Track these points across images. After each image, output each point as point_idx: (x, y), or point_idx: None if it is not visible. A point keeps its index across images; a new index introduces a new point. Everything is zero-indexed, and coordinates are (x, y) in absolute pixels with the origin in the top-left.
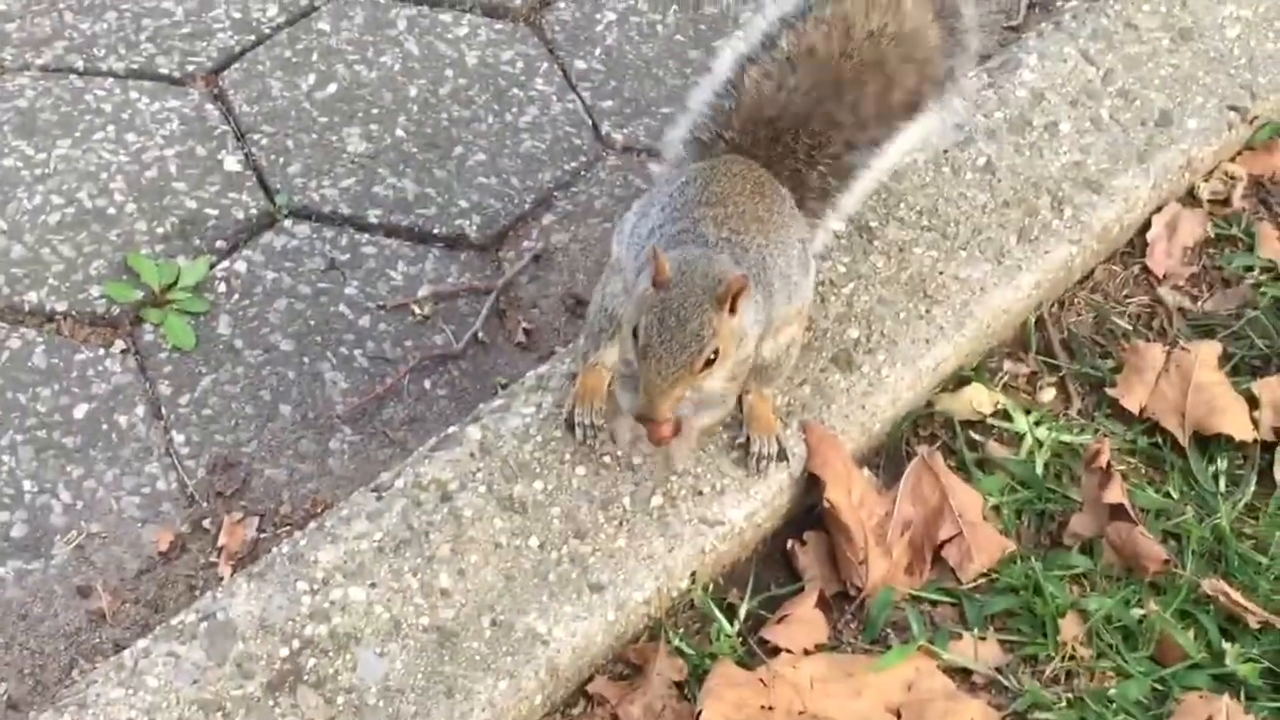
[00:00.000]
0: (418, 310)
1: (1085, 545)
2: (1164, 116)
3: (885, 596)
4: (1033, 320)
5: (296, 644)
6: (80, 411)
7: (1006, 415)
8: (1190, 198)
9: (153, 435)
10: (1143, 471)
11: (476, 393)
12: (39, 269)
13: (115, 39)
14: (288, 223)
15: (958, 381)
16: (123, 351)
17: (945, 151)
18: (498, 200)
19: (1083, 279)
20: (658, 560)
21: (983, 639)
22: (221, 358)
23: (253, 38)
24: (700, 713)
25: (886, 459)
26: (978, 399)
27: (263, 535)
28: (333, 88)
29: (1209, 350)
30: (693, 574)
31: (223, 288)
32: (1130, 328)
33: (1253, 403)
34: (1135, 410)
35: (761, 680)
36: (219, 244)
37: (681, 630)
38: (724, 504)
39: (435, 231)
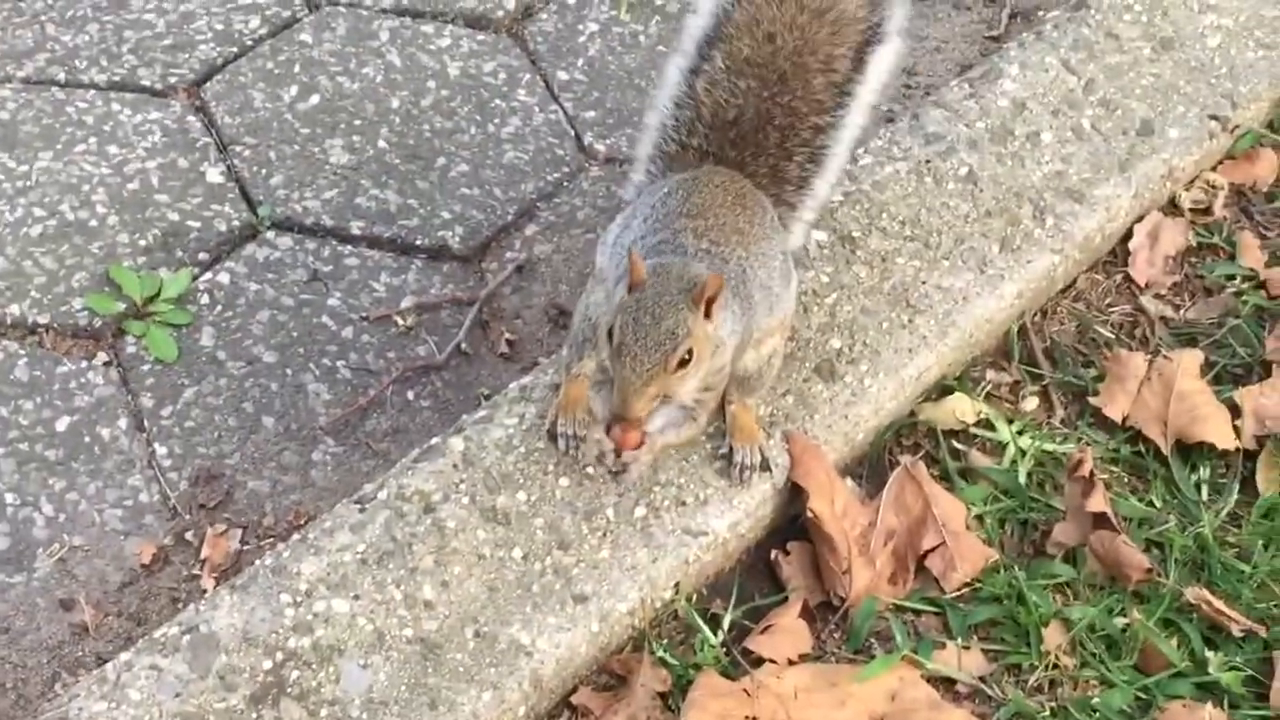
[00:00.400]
0: (401, 321)
1: (1068, 554)
2: (1145, 126)
3: (869, 606)
4: (1015, 329)
5: (280, 656)
6: (62, 424)
7: (989, 424)
8: (1172, 207)
9: (135, 447)
10: (1125, 480)
11: (459, 404)
12: (21, 281)
13: (97, 51)
14: (270, 234)
15: (940, 391)
16: (105, 364)
17: (927, 161)
18: (480, 211)
19: (1065, 288)
20: (641, 571)
21: (966, 648)
22: (204, 369)
23: (235, 49)
24: None
25: (869, 469)
26: (960, 408)
27: (245, 547)
28: (315, 99)
29: (1191, 359)
30: (676, 584)
31: (205, 299)
32: (1113, 336)
33: (1235, 411)
34: (1118, 419)
35: (745, 691)
36: (201, 256)
37: (665, 641)
38: (707, 514)
39: (418, 243)
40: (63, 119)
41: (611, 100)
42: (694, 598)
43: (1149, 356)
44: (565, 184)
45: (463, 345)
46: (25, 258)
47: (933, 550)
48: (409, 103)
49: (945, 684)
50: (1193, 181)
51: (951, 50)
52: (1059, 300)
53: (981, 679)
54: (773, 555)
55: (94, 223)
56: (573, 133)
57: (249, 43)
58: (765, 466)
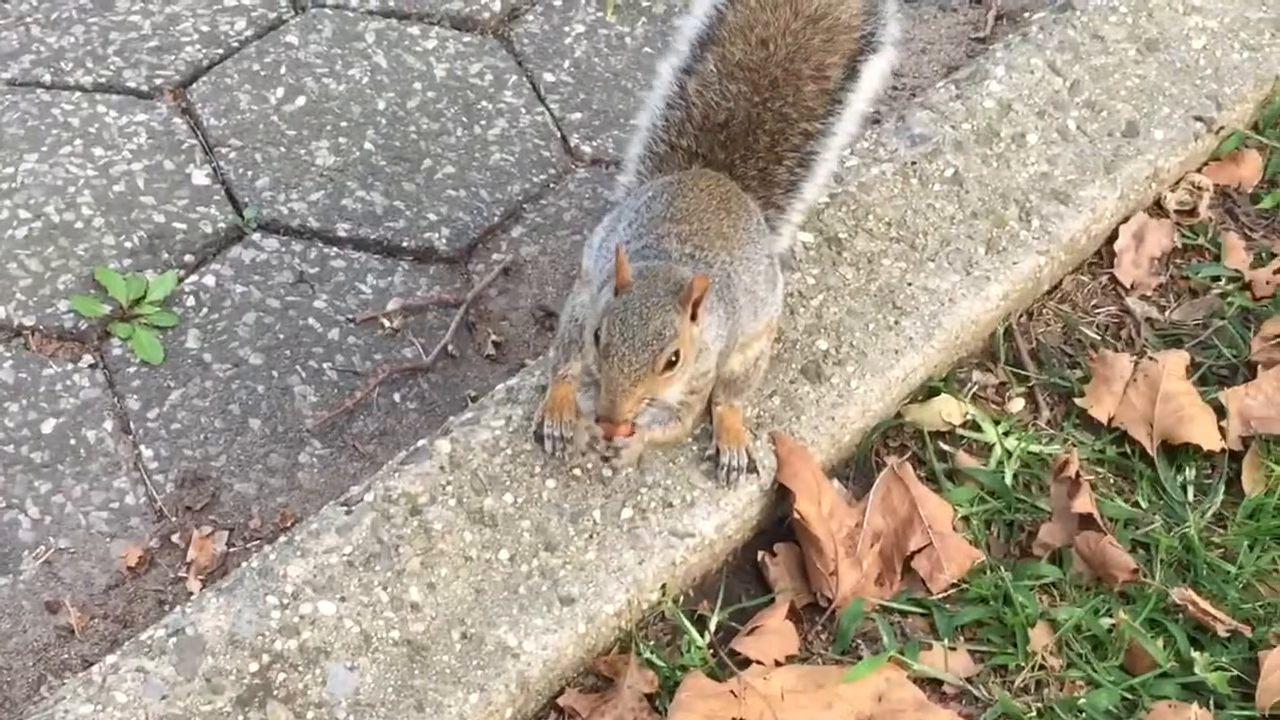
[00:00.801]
0: (387, 323)
1: (1054, 555)
2: (1130, 127)
3: (855, 607)
4: (1001, 331)
5: (266, 658)
6: (48, 426)
7: (975, 426)
8: (1157, 208)
9: (121, 450)
10: (1111, 481)
11: (446, 406)
12: (6, 283)
13: (83, 53)
14: (256, 236)
15: (927, 392)
16: (91, 366)
17: (913, 163)
18: (467, 213)
19: (1051, 289)
20: (628, 573)
21: (953, 649)
22: (190, 372)
23: (220, 51)
24: None
25: (856, 470)
26: (947, 410)
27: (232, 549)
28: (301, 101)
29: (1177, 360)
30: (663, 586)
31: (191, 302)
32: (1098, 338)
33: (1220, 412)
34: (1104, 420)
35: (732, 692)
36: (187, 258)
37: (652, 642)
38: (694, 516)
39: (404, 244)
40: (48, 120)
41: (598, 102)
42: (681, 599)
43: (1134, 357)
44: (552, 186)
45: (449, 347)
46: (10, 260)
47: (919, 551)
48: (395, 104)
49: (932, 685)
50: (1178, 183)
51: (937, 52)
52: (1045, 301)
53: (968, 680)
54: (760, 557)
55: (80, 224)
56: (559, 134)
57: (235, 44)
58: (752, 468)
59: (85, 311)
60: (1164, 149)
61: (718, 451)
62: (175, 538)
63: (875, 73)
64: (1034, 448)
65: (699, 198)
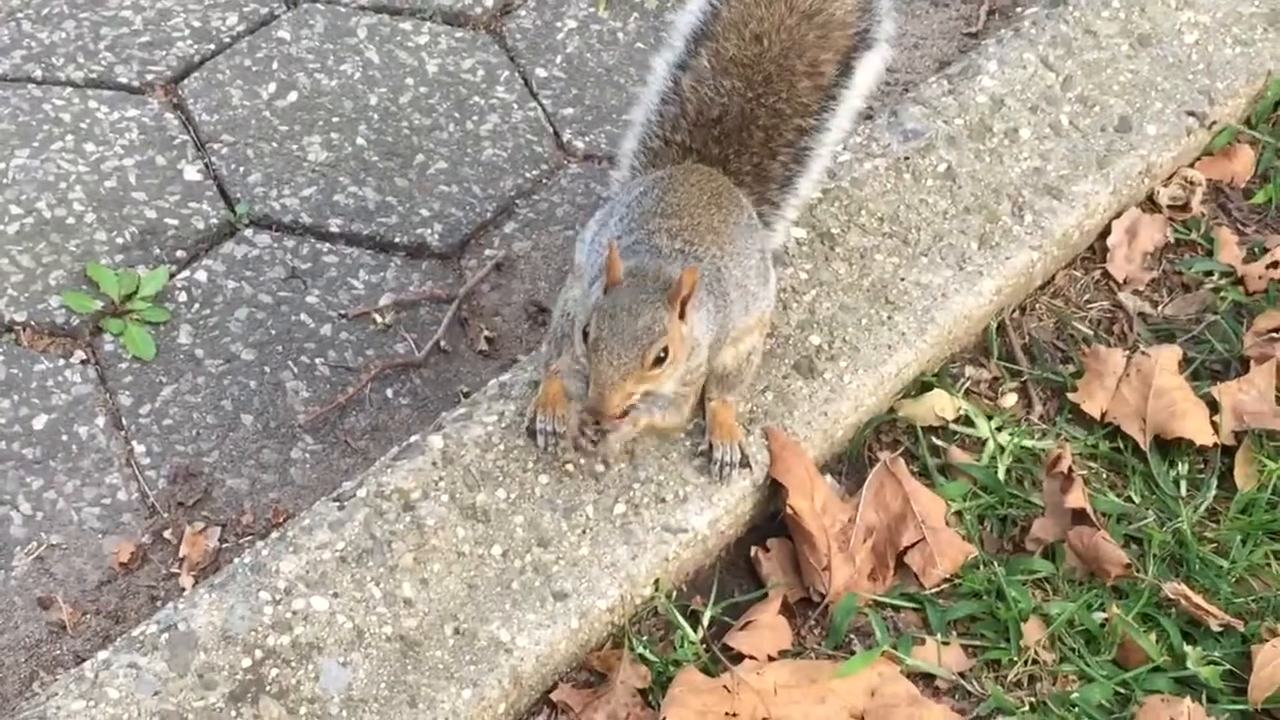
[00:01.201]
0: (379, 319)
1: (1047, 550)
2: (1123, 122)
3: (848, 602)
4: (994, 326)
5: (259, 654)
6: (40, 422)
7: (968, 421)
8: (1150, 203)
9: (113, 446)
10: (1104, 476)
11: (439, 401)
12: None
13: (74, 48)
14: (248, 232)
15: (920, 387)
16: (83, 362)
17: (906, 158)
18: (459, 209)
19: (1044, 284)
20: (621, 568)
21: (946, 644)
22: (182, 367)
23: (212, 46)
24: None
25: (849, 465)
26: (940, 405)
27: (224, 545)
28: (293, 96)
29: (1169, 355)
30: (656, 581)
31: (183, 297)
32: (1091, 333)
33: (1213, 407)
34: (1096, 415)
35: (725, 687)
36: (179, 253)
37: (645, 637)
38: (687, 511)
39: (396, 240)
40: (39, 116)
41: (590, 97)
42: (674, 594)
43: (1127, 352)
44: (544, 181)
45: (442, 343)
46: (2, 255)
47: (912, 546)
48: (387, 100)
49: (925, 680)
50: (1170, 178)
51: (930, 47)
52: (1038, 296)
53: (961, 675)
54: (753, 552)
55: (71, 220)
56: (551, 130)
57: (227, 40)
58: (745, 463)
59: (77, 307)
60: (1156, 144)
61: (710, 446)
62: (168, 533)
63: (870, 69)
64: (1027, 443)
65: (690, 193)
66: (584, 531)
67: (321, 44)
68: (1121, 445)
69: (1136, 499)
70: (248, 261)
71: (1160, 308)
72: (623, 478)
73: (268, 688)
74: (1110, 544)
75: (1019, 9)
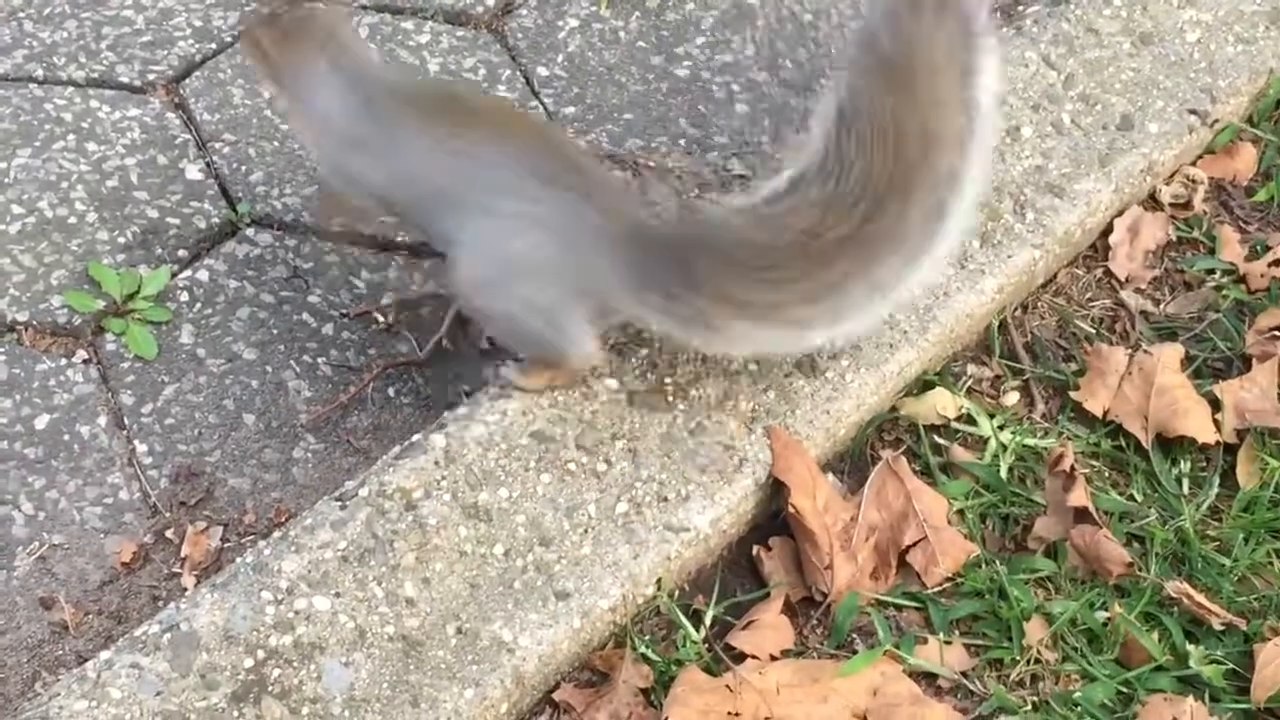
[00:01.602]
0: (381, 318)
1: (1049, 549)
2: (1125, 121)
3: (850, 601)
4: (996, 324)
5: (261, 654)
6: (42, 422)
7: (970, 419)
8: (1152, 201)
9: (115, 445)
10: (1106, 475)
11: (441, 400)
12: None
13: (75, 48)
14: (250, 231)
15: (922, 386)
16: (84, 361)
17: None
18: None
19: (1045, 283)
20: (623, 567)
21: (948, 643)
22: (184, 367)
23: (214, 45)
24: (666, 719)
25: (851, 464)
26: (941, 403)
27: (226, 545)
28: None
29: (1171, 353)
30: (658, 580)
31: (185, 297)
32: (1093, 331)
33: (1215, 405)
34: (1098, 413)
35: (728, 687)
36: (181, 253)
37: (647, 637)
38: (689, 510)
39: (398, 239)
40: (41, 116)
41: (591, 96)
42: (676, 594)
43: (1129, 351)
44: None
45: (444, 342)
46: (3, 255)
47: (914, 545)
48: None
49: (927, 679)
50: (1172, 176)
51: None
52: (1039, 295)
53: (963, 674)
54: (755, 550)
55: (73, 220)
56: None
57: (228, 39)
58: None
59: (79, 307)
60: (1158, 142)
61: None
62: (170, 533)
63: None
64: (1029, 441)
65: None
66: (586, 531)
67: None
68: (1124, 444)
69: (1139, 498)
70: (249, 261)
71: (1162, 306)
72: (625, 476)
73: (270, 688)
74: (1112, 542)
75: (1020, 7)
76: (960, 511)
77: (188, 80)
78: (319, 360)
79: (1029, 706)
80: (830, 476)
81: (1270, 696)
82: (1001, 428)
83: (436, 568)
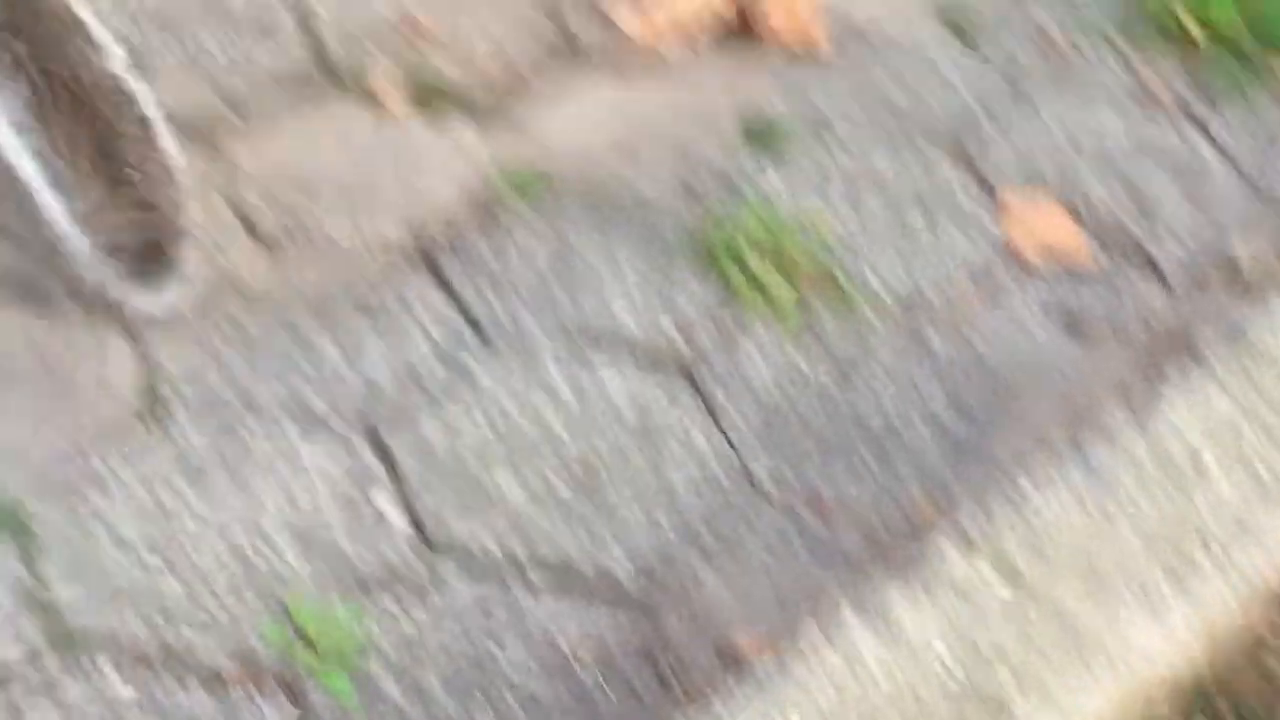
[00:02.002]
0: (578, 666)
1: None
2: None
3: None
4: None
5: None
6: None
7: None
8: None
9: None
10: None
11: None
12: (203, 617)
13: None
14: (444, 570)
15: None
16: (289, 701)
17: (1089, 490)
18: (653, 549)
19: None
20: None
21: None
22: (384, 712)
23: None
24: None
25: None
26: None
27: None
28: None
29: None
30: None
31: (379, 635)
32: None
33: None
34: None
35: None
36: (374, 591)
37: None
38: None
39: (590, 579)
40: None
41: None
42: None
43: None
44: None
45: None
46: (210, 597)
47: None
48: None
49: None
50: None
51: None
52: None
53: None
54: None
55: (272, 556)
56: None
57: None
58: None
59: (277, 643)
60: None
61: None
62: None
63: None
64: None
65: None
66: None
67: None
68: None
69: None
70: (445, 604)
71: None
72: None
73: None
74: None
75: (1193, 339)
76: None
77: (382, 417)
78: (515, 705)
79: None
80: None
81: None
82: None
83: None
